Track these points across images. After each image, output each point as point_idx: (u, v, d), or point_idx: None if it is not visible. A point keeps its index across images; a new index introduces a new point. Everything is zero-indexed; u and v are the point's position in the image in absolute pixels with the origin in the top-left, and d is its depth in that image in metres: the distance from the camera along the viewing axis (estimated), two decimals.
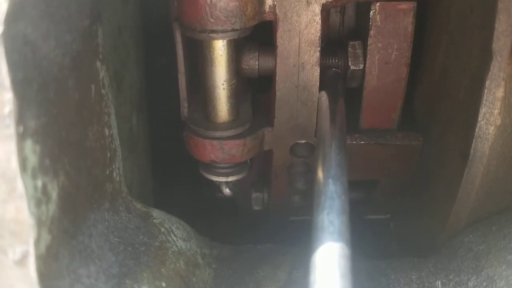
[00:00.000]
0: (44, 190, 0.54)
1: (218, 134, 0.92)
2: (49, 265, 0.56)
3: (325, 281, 0.51)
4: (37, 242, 0.52)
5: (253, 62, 0.93)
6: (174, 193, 1.34)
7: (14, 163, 0.49)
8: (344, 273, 0.52)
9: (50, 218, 0.56)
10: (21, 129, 0.49)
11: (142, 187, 1.08)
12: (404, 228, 1.11)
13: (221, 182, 1.00)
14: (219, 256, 0.92)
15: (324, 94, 0.80)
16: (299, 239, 0.93)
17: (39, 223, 0.53)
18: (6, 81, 0.46)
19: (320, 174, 0.65)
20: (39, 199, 0.53)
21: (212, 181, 1.07)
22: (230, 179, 0.99)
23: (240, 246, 0.96)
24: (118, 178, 0.80)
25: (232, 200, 1.23)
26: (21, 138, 0.49)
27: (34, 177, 0.52)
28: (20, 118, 0.49)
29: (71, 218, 0.62)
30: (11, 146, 0.48)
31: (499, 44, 0.69)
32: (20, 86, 0.49)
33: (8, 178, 0.49)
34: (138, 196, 1.04)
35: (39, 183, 0.53)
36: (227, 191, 1.01)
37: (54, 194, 0.57)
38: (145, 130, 1.10)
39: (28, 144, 0.51)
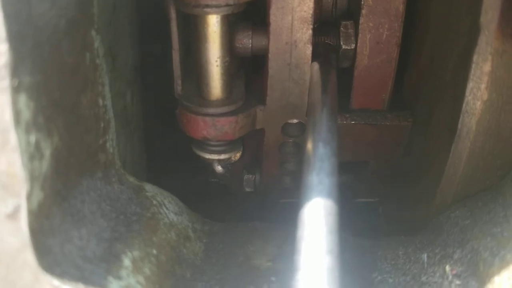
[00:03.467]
0: (38, 146, 0.55)
1: (211, 110, 0.93)
2: (40, 221, 0.57)
3: (312, 236, 0.53)
4: (29, 197, 0.53)
5: (246, 41, 0.94)
6: (167, 178, 1.35)
7: (7, 115, 0.50)
8: (332, 229, 0.53)
9: (43, 175, 0.56)
10: (15, 82, 0.50)
11: (135, 164, 1.08)
12: (393, 210, 1.13)
13: (214, 159, 1.01)
14: (210, 231, 0.93)
15: (316, 65, 0.81)
16: (290, 220, 0.94)
17: (32, 177, 0.54)
18: (2, 31, 0.47)
19: (310, 138, 0.66)
20: (32, 154, 0.54)
21: (205, 165, 1.08)
22: (223, 157, 1.00)
23: (231, 222, 0.97)
24: (111, 150, 0.81)
25: (225, 183, 1.24)
26: (15, 91, 0.50)
27: (27, 131, 0.53)
28: (15, 71, 0.50)
29: (63, 180, 0.63)
30: (6, 98, 0.49)
31: (487, 18, 0.71)
32: (15, 39, 0.49)
33: (1, 130, 0.50)
34: (131, 172, 1.05)
35: (33, 138, 0.54)
36: (219, 168, 1.02)
37: (47, 152, 0.57)
38: (139, 110, 1.11)
39: (23, 98, 0.52)
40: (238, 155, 1.07)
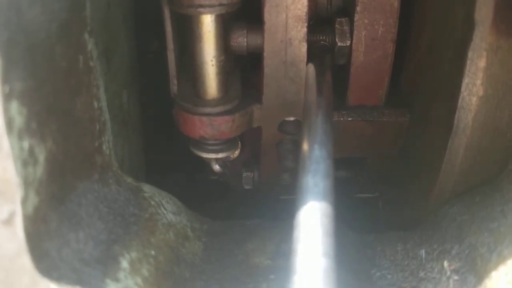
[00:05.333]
0: (31, 152, 0.55)
1: (207, 110, 0.93)
2: (37, 226, 0.57)
3: (308, 238, 0.53)
4: (24, 202, 0.53)
5: (241, 39, 0.94)
6: (166, 176, 1.35)
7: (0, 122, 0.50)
8: (327, 231, 0.54)
9: (37, 180, 0.57)
10: (7, 89, 0.50)
11: (134, 164, 1.09)
12: (392, 204, 1.13)
13: (211, 158, 1.01)
14: (209, 230, 0.93)
15: (311, 66, 0.81)
16: (289, 216, 0.95)
17: (26, 183, 0.54)
18: None
19: (306, 140, 0.66)
20: (26, 160, 0.54)
21: (204, 163, 1.08)
22: (220, 155, 1.00)
23: (230, 221, 0.97)
24: (108, 152, 0.81)
25: (224, 181, 1.24)
26: (7, 98, 0.50)
27: (20, 138, 0.53)
28: (6, 78, 0.50)
29: (59, 184, 0.63)
30: None
31: (481, 14, 0.70)
32: (5, 46, 0.49)
33: None
34: (130, 173, 1.05)
35: (26, 144, 0.54)
36: (217, 167, 1.02)
37: (41, 157, 0.58)
38: (136, 109, 1.11)
39: (14, 105, 0.52)
40: (236, 152, 1.07)
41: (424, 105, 0.92)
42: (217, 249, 0.89)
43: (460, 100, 0.76)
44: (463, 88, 0.75)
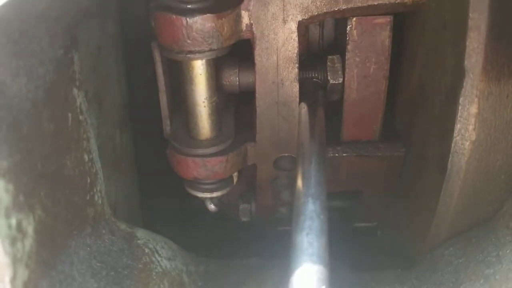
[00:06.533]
0: (19, 227, 0.55)
1: (200, 151, 0.92)
2: None
3: None
4: (13, 280, 0.53)
5: (233, 78, 0.93)
6: (162, 204, 1.34)
7: None
8: None
9: (26, 254, 0.56)
10: None
11: (128, 203, 1.08)
12: (390, 236, 1.12)
13: (206, 198, 1.00)
14: (205, 272, 0.93)
15: (304, 106, 0.81)
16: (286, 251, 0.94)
17: (15, 261, 0.53)
18: None
19: (299, 192, 0.65)
20: (14, 237, 0.53)
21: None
22: (215, 195, 0.99)
23: (226, 260, 0.96)
24: (100, 201, 0.81)
25: (221, 211, 1.24)
26: None
27: (7, 216, 0.52)
28: None
29: (49, 250, 0.63)
30: None
31: (471, 62, 0.70)
32: None
33: None
34: (124, 213, 1.05)
35: (13, 221, 0.53)
36: (212, 207, 1.01)
37: (30, 229, 0.57)
38: (129, 146, 1.11)
39: (1, 184, 0.51)
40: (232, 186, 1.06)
41: (418, 143, 0.91)
42: None
43: (453, 145, 0.75)
44: (455, 133, 0.75)
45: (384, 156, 0.98)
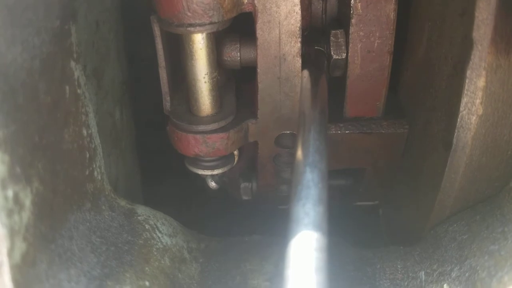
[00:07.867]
0: (16, 199, 0.54)
1: (201, 128, 0.91)
2: (25, 272, 0.56)
3: (299, 276, 0.51)
4: (10, 252, 0.52)
5: (234, 54, 0.91)
6: (164, 184, 1.34)
7: None
8: (319, 266, 0.52)
9: (24, 226, 0.55)
10: None
11: (129, 181, 1.07)
12: (392, 214, 1.11)
13: (207, 175, 0.99)
14: (206, 249, 0.92)
15: (306, 74, 0.78)
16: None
17: (12, 233, 0.52)
18: None
19: (298, 161, 0.63)
20: (11, 209, 0.52)
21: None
22: (216, 172, 0.98)
23: (228, 238, 0.96)
24: (99, 177, 0.80)
25: (222, 190, 1.23)
26: None
27: (4, 187, 0.51)
28: None
29: (48, 223, 0.62)
30: None
31: (479, 33, 0.68)
32: None
33: None
34: (125, 191, 1.03)
35: (10, 193, 0.52)
36: (213, 184, 1.00)
37: (27, 202, 0.56)
38: (129, 124, 1.09)
39: None
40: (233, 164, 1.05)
41: (423, 119, 0.89)
42: (214, 270, 0.87)
43: (459, 119, 0.74)
44: (462, 107, 0.73)
45: (387, 133, 0.96)
